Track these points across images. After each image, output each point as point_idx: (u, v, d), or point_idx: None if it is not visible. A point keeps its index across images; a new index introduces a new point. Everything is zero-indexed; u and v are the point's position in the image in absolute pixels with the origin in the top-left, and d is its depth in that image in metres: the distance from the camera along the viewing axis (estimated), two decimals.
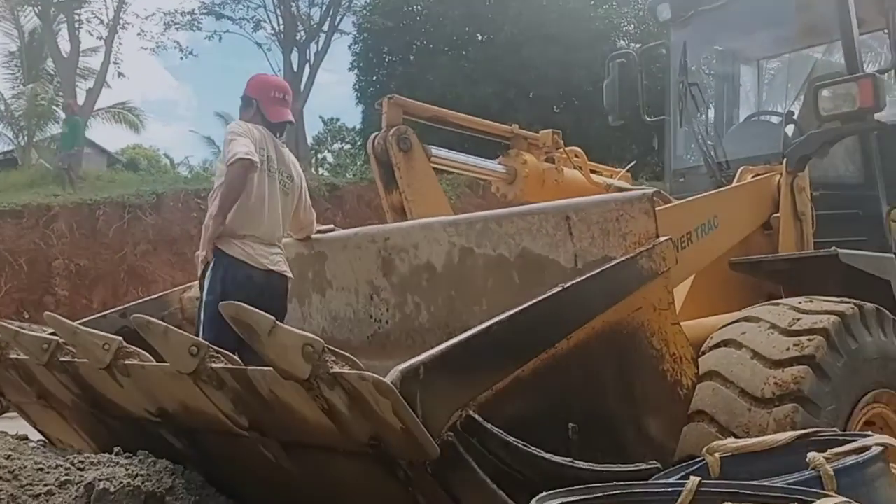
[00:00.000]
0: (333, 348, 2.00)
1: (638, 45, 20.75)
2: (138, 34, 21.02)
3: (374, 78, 22.08)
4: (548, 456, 2.18)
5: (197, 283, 4.64)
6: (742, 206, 4.28)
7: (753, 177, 4.63)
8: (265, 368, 2.11)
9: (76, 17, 19.15)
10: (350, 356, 2.00)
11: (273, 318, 1.90)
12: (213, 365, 2.29)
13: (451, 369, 2.07)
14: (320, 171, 22.62)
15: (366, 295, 3.76)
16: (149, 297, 4.62)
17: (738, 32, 6.08)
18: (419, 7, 21.57)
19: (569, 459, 2.21)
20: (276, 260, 3.70)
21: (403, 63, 21.76)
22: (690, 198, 3.94)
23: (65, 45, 19.48)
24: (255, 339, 1.92)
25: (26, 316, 11.94)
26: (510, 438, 2.12)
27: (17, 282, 12.41)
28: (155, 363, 2.58)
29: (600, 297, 2.45)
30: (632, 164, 5.47)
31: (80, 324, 4.39)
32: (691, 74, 6.02)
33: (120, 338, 2.66)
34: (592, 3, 20.28)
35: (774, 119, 5.96)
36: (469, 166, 4.28)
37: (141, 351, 2.68)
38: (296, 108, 21.25)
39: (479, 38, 20.85)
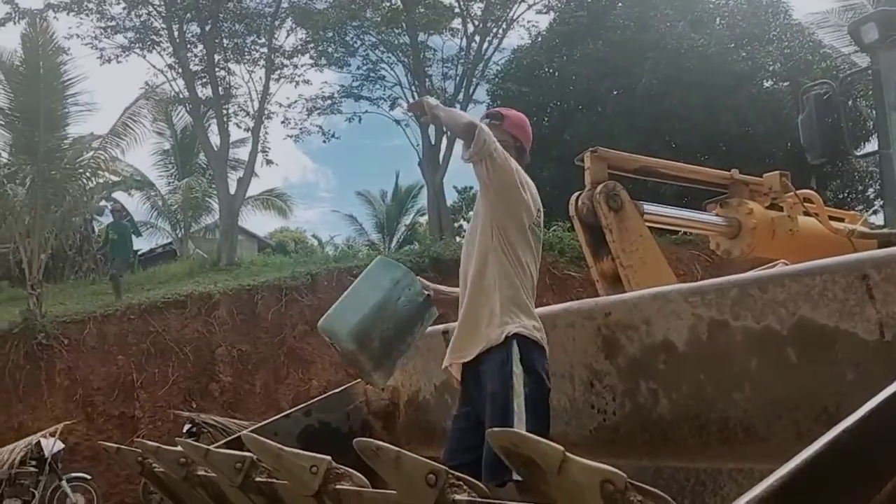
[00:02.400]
0: (637, 483, 1.46)
1: (786, 84, 19.74)
2: (282, 122, 21.69)
3: None
4: None
5: None
6: None
7: None
8: None
9: (224, 112, 19.95)
10: (663, 495, 1.45)
11: (563, 448, 1.40)
12: (457, 497, 1.80)
13: (800, 502, 1.49)
14: (457, 238, 22.51)
15: (584, 381, 3.21)
16: (332, 392, 4.26)
17: None
18: (551, 69, 21.31)
19: None
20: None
21: (538, 125, 21.36)
22: None
23: (215, 139, 20.33)
24: (539, 476, 1.42)
25: (194, 405, 12.08)
26: None
27: (184, 371, 12.60)
28: (374, 490, 2.13)
29: None
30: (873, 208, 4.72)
31: (265, 426, 4.11)
32: None
33: (329, 458, 2.23)
34: (733, 45, 19.35)
35: None
36: (687, 221, 3.72)
37: (353, 472, 2.25)
38: (437, 180, 21.34)
39: (615, 92, 20.28)
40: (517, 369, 2.90)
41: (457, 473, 1.86)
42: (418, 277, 3.44)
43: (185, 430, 10.72)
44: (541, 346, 3.02)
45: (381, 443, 1.83)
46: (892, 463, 1.66)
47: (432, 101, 3.37)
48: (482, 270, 3.09)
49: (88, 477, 10.35)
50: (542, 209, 3.21)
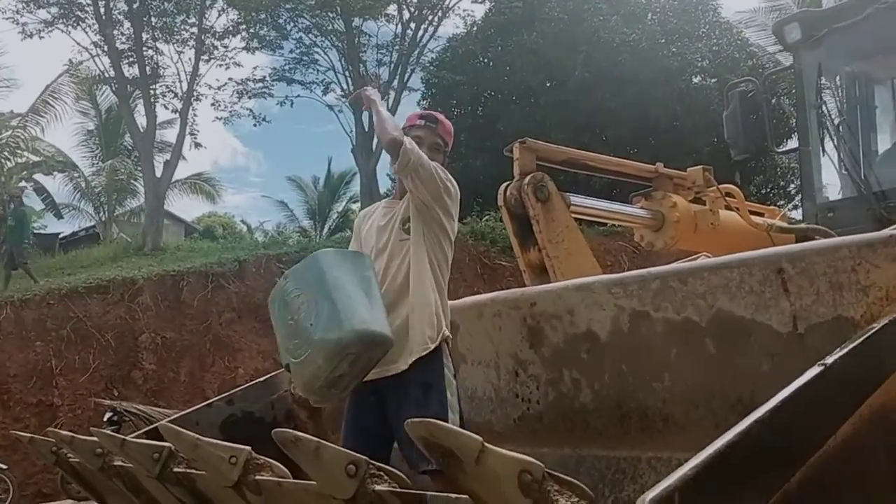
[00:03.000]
0: (555, 473, 1.47)
1: (714, 80, 20.20)
2: (212, 105, 21.24)
3: None
4: None
5: None
6: None
7: None
8: (451, 496, 1.60)
9: (151, 92, 19.41)
10: (580, 484, 1.46)
11: (481, 439, 1.39)
12: (377, 487, 1.79)
13: (711, 491, 1.52)
14: None
15: (509, 370, 3.23)
16: (256, 381, 4.18)
17: (876, 50, 5.50)
18: (486, 59, 21.39)
19: None
20: None
21: (472, 115, 21.51)
22: None
23: (141, 120, 19.77)
24: (457, 466, 1.41)
25: (116, 393, 11.79)
26: None
27: (105, 357, 12.28)
28: (294, 481, 2.10)
29: (868, 374, 1.88)
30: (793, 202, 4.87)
31: (186, 415, 4.02)
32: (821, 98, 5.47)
33: (248, 448, 2.19)
34: (664, 41, 19.73)
35: None
36: (612, 214, 3.76)
37: (273, 462, 2.21)
38: (370, 167, 21.19)
39: (549, 84, 20.45)
40: (448, 362, 3.08)
41: (377, 464, 1.85)
42: None
43: (105, 419, 10.43)
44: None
45: (299, 433, 1.80)
46: (802, 452, 1.72)
47: (374, 95, 3.45)
48: (420, 277, 3.13)
49: (4, 467, 10.04)
50: None
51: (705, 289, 2.54)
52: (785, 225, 4.22)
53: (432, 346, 3.03)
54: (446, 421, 2.84)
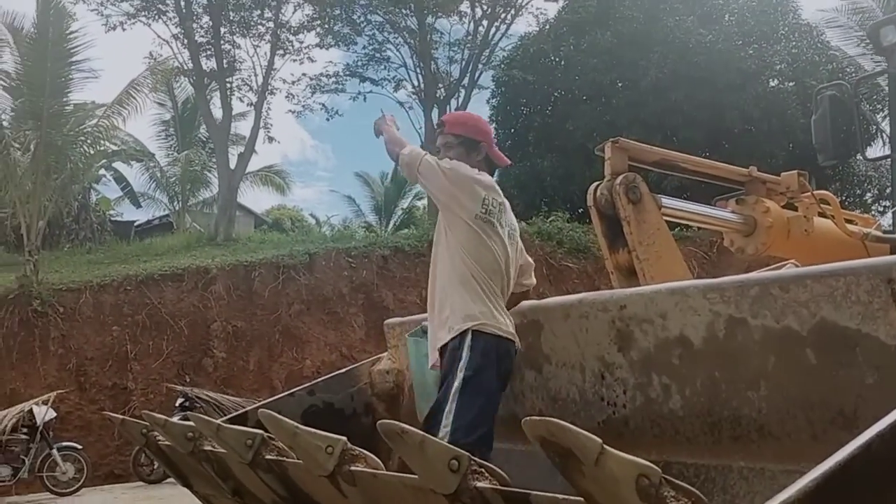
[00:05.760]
0: (672, 479, 1.45)
1: (792, 84, 19.66)
2: (286, 97, 21.60)
3: (513, 130, 21.79)
4: None
5: (386, 354, 4.27)
6: None
7: None
8: (558, 497, 1.59)
9: (228, 85, 19.82)
10: (695, 491, 1.44)
11: (601, 440, 1.38)
12: (479, 484, 1.79)
13: None
14: None
15: (595, 373, 3.19)
16: (336, 372, 4.23)
17: None
18: (557, 58, 21.20)
19: None
20: (511, 325, 3.31)
21: (541, 114, 21.39)
22: None
23: (217, 113, 20.20)
24: (574, 467, 1.40)
25: (187, 379, 12.07)
26: None
27: (178, 344, 12.59)
28: (389, 473, 2.12)
29: None
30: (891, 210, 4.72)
31: (269, 403, 4.10)
32: None
33: (344, 438, 2.21)
34: (741, 42, 19.29)
35: None
36: (703, 217, 3.69)
37: (368, 454, 2.23)
38: None
39: (620, 84, 20.19)
40: (465, 355, 3.18)
41: (479, 461, 1.85)
42: None
43: (177, 404, 10.72)
44: (493, 334, 3.22)
45: (406, 426, 1.81)
46: None
47: (389, 123, 3.68)
48: (442, 269, 3.36)
49: (79, 447, 10.36)
50: (498, 200, 3.37)
51: (808, 297, 2.47)
52: (881, 234, 4.08)
53: (450, 336, 3.22)
54: (447, 397, 3.14)
